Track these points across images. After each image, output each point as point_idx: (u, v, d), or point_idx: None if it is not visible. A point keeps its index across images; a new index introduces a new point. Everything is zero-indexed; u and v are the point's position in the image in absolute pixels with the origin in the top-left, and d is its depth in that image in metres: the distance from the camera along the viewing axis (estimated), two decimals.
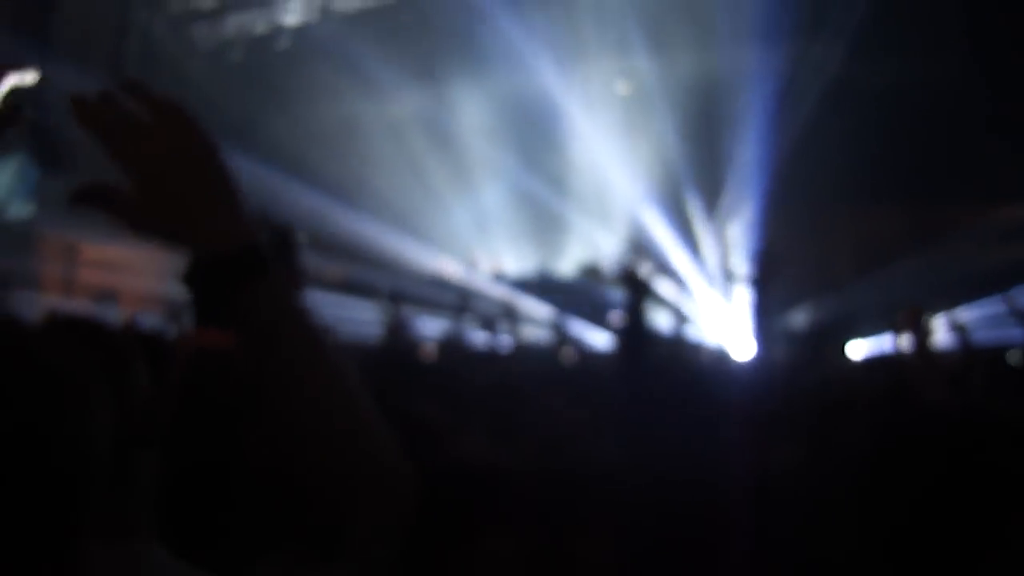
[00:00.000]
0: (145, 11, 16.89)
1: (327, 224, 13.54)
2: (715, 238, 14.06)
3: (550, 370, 6.11)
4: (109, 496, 0.89)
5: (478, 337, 7.34)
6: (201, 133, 0.97)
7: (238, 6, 17.26)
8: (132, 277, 11.39)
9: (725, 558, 2.57)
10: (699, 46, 13.61)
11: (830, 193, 12.46)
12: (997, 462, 1.17)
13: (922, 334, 2.90)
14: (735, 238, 13.67)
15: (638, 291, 3.38)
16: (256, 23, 17.39)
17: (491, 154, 15.24)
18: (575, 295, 12.72)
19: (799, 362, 4.55)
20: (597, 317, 10.48)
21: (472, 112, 15.59)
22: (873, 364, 6.18)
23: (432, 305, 9.78)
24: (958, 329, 5.12)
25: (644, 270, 3.46)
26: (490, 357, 6.57)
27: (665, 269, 13.53)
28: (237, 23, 17.46)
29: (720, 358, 7.85)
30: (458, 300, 8.88)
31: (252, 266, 0.96)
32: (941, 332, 4.30)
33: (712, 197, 14.05)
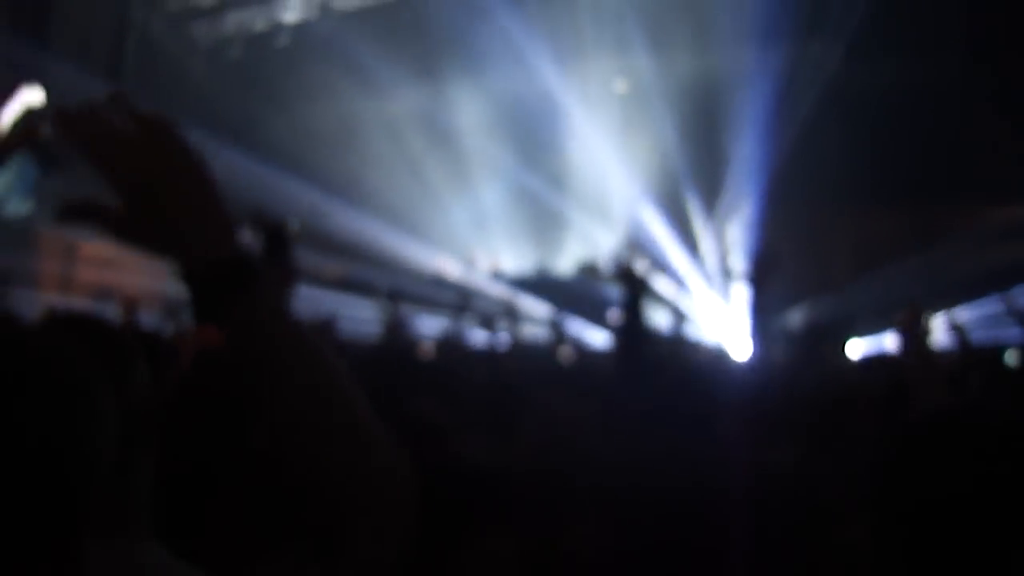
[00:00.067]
0: (144, 9, 16.87)
1: (326, 222, 13.55)
2: (714, 237, 14.07)
3: (548, 369, 6.11)
4: (109, 494, 0.89)
5: (476, 335, 7.34)
6: (186, 146, 0.98)
7: (237, 4, 17.24)
8: (131, 275, 11.39)
9: (723, 557, 2.58)
10: (698, 45, 13.62)
11: (828, 193, 12.46)
12: (1000, 463, 1.17)
13: (921, 333, 2.88)
14: (733, 237, 13.68)
15: (635, 288, 3.39)
16: (255, 21, 17.38)
17: (489, 152, 15.25)
18: (573, 293, 12.72)
19: (797, 361, 4.54)
20: (596, 315, 10.49)
21: (470, 110, 15.60)
22: (871, 363, 6.18)
23: (431, 303, 9.78)
24: (956, 329, 5.12)
25: (641, 267, 3.45)
26: (488, 355, 6.58)
27: (664, 267, 13.54)
28: (236, 21, 17.46)
29: (718, 357, 7.85)
30: (456, 298, 8.88)
31: (240, 274, 0.97)
32: (939, 332, 4.30)
33: (711, 196, 14.06)
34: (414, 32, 15.03)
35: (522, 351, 7.41)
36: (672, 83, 13.88)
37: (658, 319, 9.36)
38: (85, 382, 0.86)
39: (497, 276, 14.77)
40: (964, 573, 1.14)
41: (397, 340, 6.17)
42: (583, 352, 7.89)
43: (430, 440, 2.60)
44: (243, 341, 0.98)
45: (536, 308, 11.16)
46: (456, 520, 2.25)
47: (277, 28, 17.24)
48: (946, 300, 6.84)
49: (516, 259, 15.84)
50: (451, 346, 6.94)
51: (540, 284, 13.63)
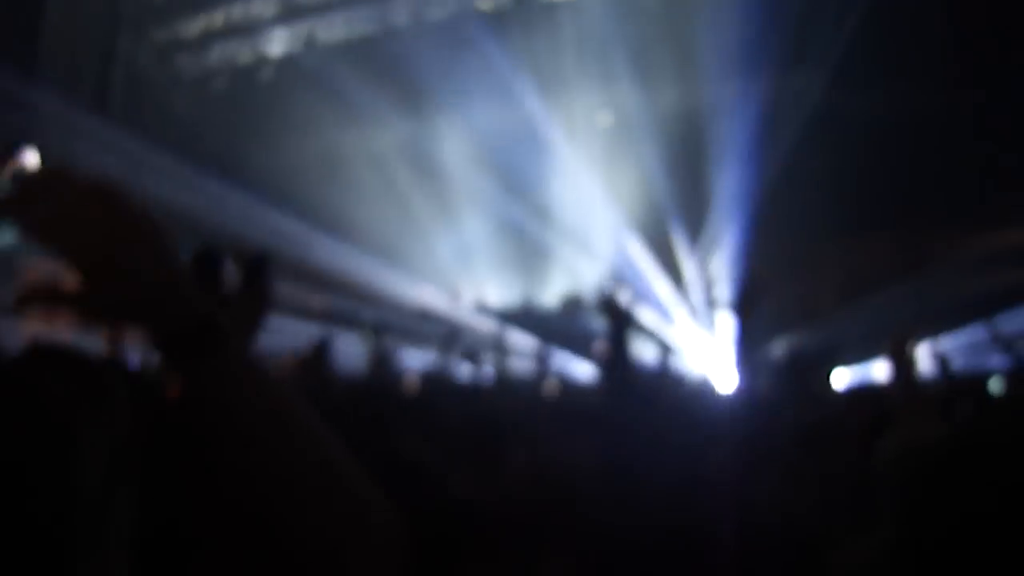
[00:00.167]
0: (130, 40, 16.91)
1: (310, 254, 13.53)
2: (698, 268, 14.11)
3: (533, 402, 6.09)
4: (88, 534, 0.88)
5: (461, 369, 7.32)
6: (136, 211, 0.94)
7: (222, 36, 17.31)
8: None
9: None
10: (681, 77, 13.71)
11: (813, 223, 12.52)
12: (989, 493, 1.17)
13: (907, 361, 2.89)
14: (718, 268, 13.72)
15: (619, 319, 3.38)
16: (240, 53, 17.44)
17: (474, 185, 15.27)
18: (558, 326, 12.72)
19: (783, 392, 4.54)
20: (581, 348, 10.48)
21: (455, 143, 15.63)
22: (856, 393, 6.19)
23: (415, 337, 9.76)
24: (940, 359, 5.14)
25: (624, 298, 3.44)
26: (473, 389, 6.55)
27: (648, 299, 13.56)
28: (221, 53, 17.51)
29: (704, 389, 7.84)
30: (441, 331, 8.86)
31: (206, 342, 0.95)
32: (924, 361, 4.31)
33: (695, 228, 14.11)
34: (398, 65, 15.08)
35: (507, 384, 7.39)
36: (656, 115, 13.95)
37: (643, 351, 9.36)
38: (66, 417, 0.85)
39: (481, 309, 14.76)
40: None
41: (382, 373, 6.14)
42: (568, 385, 7.88)
43: (414, 475, 2.59)
44: (209, 405, 0.96)
45: (521, 341, 11.15)
46: (441, 554, 2.23)
47: (262, 61, 17.30)
48: (931, 328, 6.86)
49: (501, 292, 15.84)
50: (436, 380, 6.92)
51: (525, 317, 13.62)
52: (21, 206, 0.91)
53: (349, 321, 10.11)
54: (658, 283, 14.05)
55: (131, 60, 16.86)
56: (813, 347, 10.32)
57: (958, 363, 6.51)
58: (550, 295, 15.38)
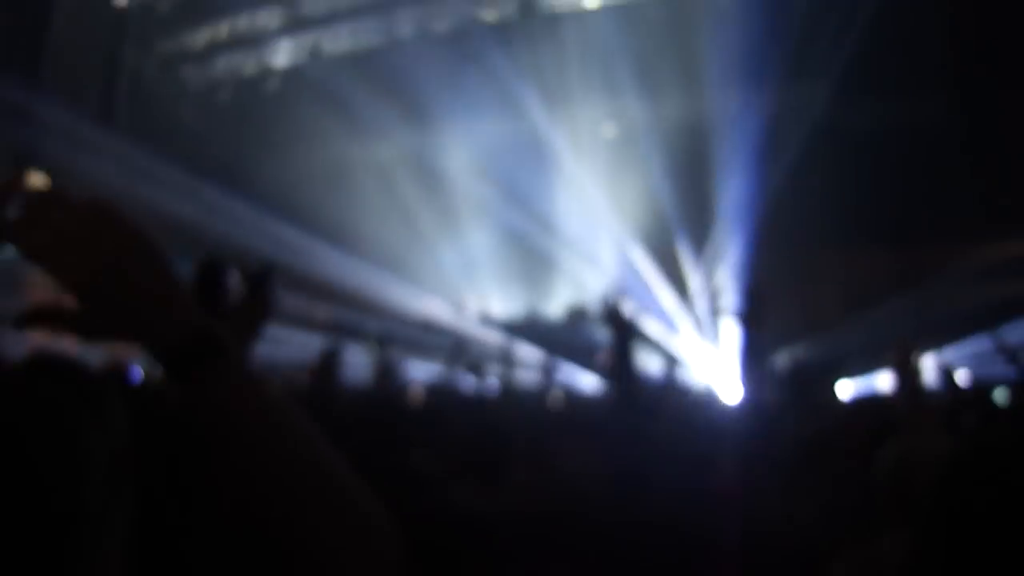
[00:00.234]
0: (135, 52, 16.97)
1: (315, 265, 13.54)
2: (703, 279, 14.09)
3: (537, 414, 6.08)
4: (86, 542, 0.88)
5: (466, 381, 7.31)
6: (130, 230, 0.95)
7: (228, 47, 17.36)
8: None
9: None
10: (685, 89, 13.73)
11: (816, 234, 12.52)
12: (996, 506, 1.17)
13: (912, 370, 2.88)
14: (722, 279, 13.71)
15: (623, 330, 3.37)
16: (245, 65, 17.50)
17: (479, 196, 15.27)
18: (563, 337, 12.72)
19: (787, 403, 4.54)
20: (585, 359, 10.47)
21: (460, 154, 15.64)
22: (860, 404, 6.17)
23: (420, 348, 9.75)
24: (944, 370, 5.13)
25: (628, 308, 3.43)
26: (478, 401, 6.54)
27: (653, 310, 13.55)
28: (227, 64, 17.57)
29: (708, 399, 7.83)
30: (446, 343, 8.85)
31: (204, 354, 0.96)
32: (929, 372, 4.31)
33: (699, 238, 14.09)
34: (403, 77, 15.12)
35: (511, 396, 7.38)
36: (660, 127, 13.96)
37: (648, 362, 9.35)
38: (64, 425, 0.86)
39: (486, 320, 14.75)
40: None
41: (386, 385, 6.13)
42: (573, 397, 7.86)
43: (419, 487, 2.59)
44: (208, 416, 0.97)
45: (526, 352, 11.15)
46: (446, 567, 2.23)
47: (267, 72, 17.35)
48: (935, 339, 6.86)
49: (506, 303, 15.83)
50: (440, 391, 6.91)
51: (529, 328, 13.61)
52: (18, 230, 0.92)
53: (354, 333, 10.12)
54: (663, 294, 14.04)
55: (137, 72, 16.93)
56: (816, 358, 10.31)
57: (962, 374, 6.51)
58: (555, 307, 15.37)
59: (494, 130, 15.31)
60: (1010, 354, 5.04)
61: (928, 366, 4.19)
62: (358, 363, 6.96)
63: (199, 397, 0.96)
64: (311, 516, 0.97)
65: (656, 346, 12.45)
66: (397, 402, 5.68)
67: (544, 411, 6.45)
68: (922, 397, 2.98)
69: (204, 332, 0.97)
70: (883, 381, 7.97)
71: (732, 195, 13.47)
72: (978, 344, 8.22)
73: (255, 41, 17.14)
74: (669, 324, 13.68)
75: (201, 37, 17.42)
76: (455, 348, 7.64)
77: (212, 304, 1.85)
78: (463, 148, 15.62)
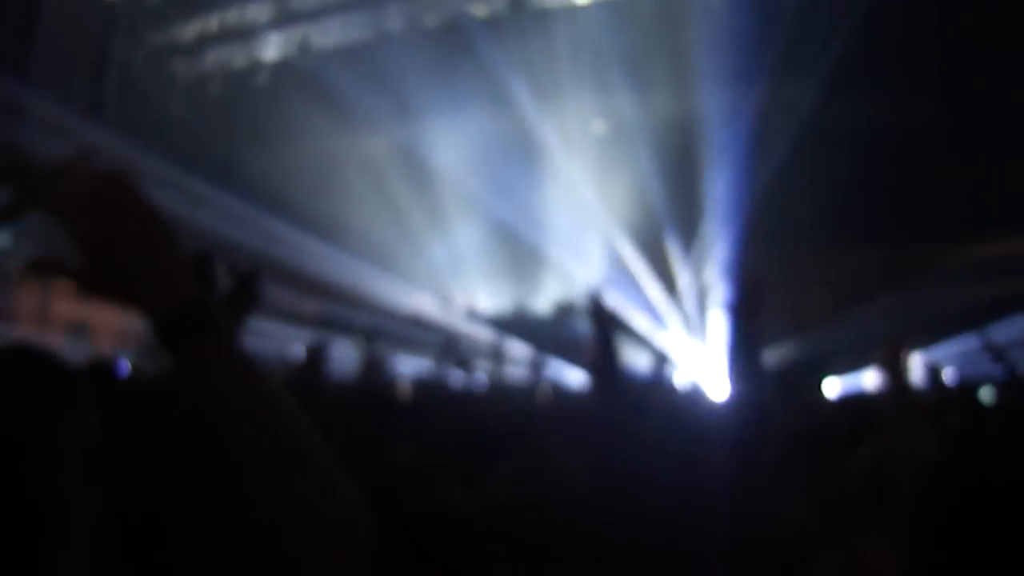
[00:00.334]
0: (125, 44, 16.91)
1: (302, 259, 13.52)
2: (692, 276, 14.12)
3: (525, 409, 6.09)
4: (55, 531, 0.89)
5: (454, 376, 7.31)
6: (144, 202, 1.02)
7: (218, 40, 17.31)
8: (108, 311, 11.31)
9: None
10: (675, 87, 13.75)
11: (804, 232, 12.55)
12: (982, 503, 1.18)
13: (901, 369, 2.89)
14: (711, 276, 13.73)
15: (604, 324, 3.37)
16: (235, 58, 17.45)
17: (468, 191, 15.26)
18: (551, 333, 12.72)
19: (774, 400, 4.55)
20: (573, 355, 10.48)
21: (450, 149, 15.63)
22: (847, 402, 6.19)
23: (408, 343, 9.74)
24: (931, 369, 5.15)
25: (610, 302, 3.42)
26: (465, 396, 6.54)
27: (642, 306, 13.58)
28: (216, 57, 17.51)
29: (696, 395, 7.85)
30: (434, 338, 8.85)
31: (197, 320, 1.01)
32: (916, 371, 4.32)
33: (688, 235, 14.12)
34: (393, 71, 15.10)
35: (499, 391, 7.38)
36: (650, 124, 13.98)
37: (635, 357, 9.37)
38: (35, 415, 0.87)
39: (472, 315, 14.75)
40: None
41: (374, 380, 6.12)
42: (561, 392, 7.87)
43: (405, 482, 2.59)
44: (198, 385, 1.01)
45: (514, 347, 11.15)
46: (431, 562, 2.23)
47: (257, 65, 17.30)
48: (923, 338, 6.88)
49: (494, 298, 15.83)
50: (428, 386, 6.91)
51: (517, 323, 13.61)
52: (43, 188, 0.99)
53: (342, 327, 10.10)
54: (651, 290, 14.06)
55: (126, 64, 16.86)
56: (804, 357, 10.34)
57: (949, 373, 6.53)
58: (543, 302, 15.37)
59: (484, 125, 15.31)
60: (997, 353, 5.06)
61: (915, 365, 4.20)
62: (346, 358, 6.95)
63: (189, 366, 1.00)
64: (290, 494, 1.00)
65: (644, 342, 12.47)
66: (384, 397, 5.67)
67: (531, 406, 6.45)
68: (910, 395, 2.99)
69: (199, 304, 1.02)
70: (870, 379, 8.01)
71: (721, 192, 13.50)
72: (965, 343, 8.25)
73: (245, 34, 17.09)
74: (657, 320, 13.70)
75: (191, 30, 17.36)
76: (445, 344, 7.64)
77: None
78: (452, 143, 15.61)
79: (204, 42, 17.39)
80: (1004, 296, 9.84)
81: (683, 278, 14.17)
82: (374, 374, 5.93)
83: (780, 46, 12.42)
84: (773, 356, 10.09)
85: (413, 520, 2.29)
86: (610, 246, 14.50)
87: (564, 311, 14.42)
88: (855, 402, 5.53)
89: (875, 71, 12.36)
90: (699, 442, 3.17)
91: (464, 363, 7.33)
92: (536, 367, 8.69)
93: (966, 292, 10.57)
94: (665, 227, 14.09)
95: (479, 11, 15.64)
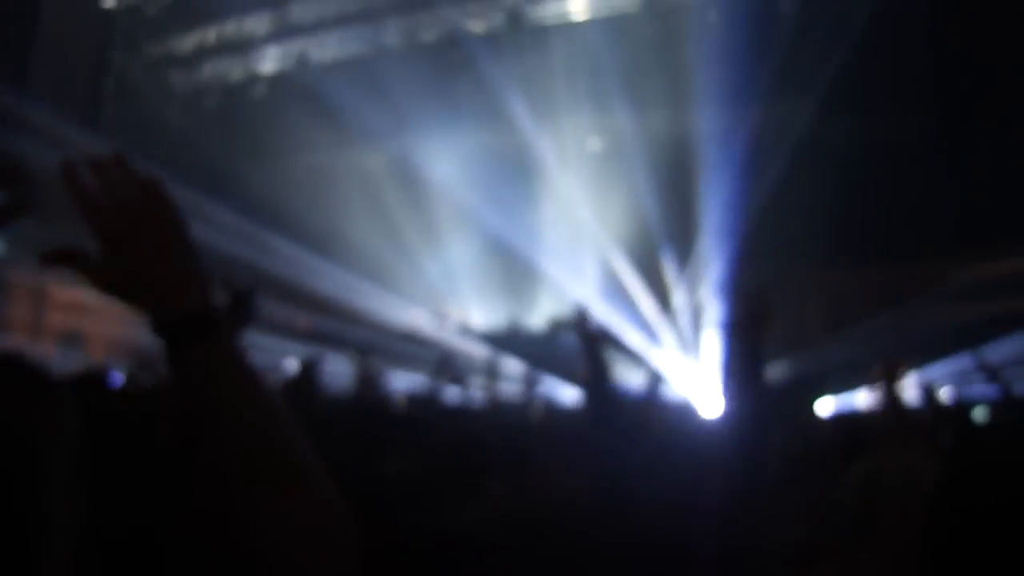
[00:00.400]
0: (123, 55, 16.93)
1: (297, 273, 13.51)
2: (687, 294, 14.12)
3: (518, 425, 6.07)
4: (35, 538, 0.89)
5: (447, 392, 7.29)
6: (172, 207, 1.07)
7: (215, 52, 17.33)
8: (102, 322, 11.29)
9: None
10: (670, 104, 13.77)
11: (799, 251, 12.56)
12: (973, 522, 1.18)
13: (895, 390, 2.89)
14: (706, 295, 13.74)
15: (591, 339, 3.37)
16: (233, 70, 17.47)
17: (464, 206, 15.26)
18: (545, 349, 12.70)
19: (773, 418, 4.54)
20: (567, 372, 10.46)
21: (446, 164, 15.63)
22: (840, 421, 6.19)
23: (402, 358, 9.73)
24: (925, 388, 5.16)
25: (596, 319, 3.42)
26: (458, 412, 6.53)
27: (636, 323, 13.58)
28: (214, 69, 17.53)
29: (689, 413, 7.84)
30: (428, 354, 8.83)
31: (206, 327, 1.04)
32: (910, 390, 4.33)
33: (684, 252, 14.12)
34: (390, 86, 15.12)
35: (492, 408, 7.37)
36: (646, 141, 14.00)
37: (628, 374, 9.35)
38: (17, 424, 0.88)
39: (465, 331, 14.74)
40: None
41: (368, 395, 6.11)
42: (554, 409, 7.86)
43: (400, 496, 2.58)
44: (199, 388, 1.03)
45: (507, 363, 11.14)
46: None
47: (254, 78, 17.32)
48: (917, 358, 6.88)
49: (488, 314, 15.81)
50: (422, 402, 6.89)
51: (511, 340, 13.60)
52: (79, 180, 1.04)
53: (336, 341, 10.09)
54: (646, 307, 14.07)
55: (124, 75, 16.88)
56: (798, 375, 10.33)
57: (944, 392, 6.54)
58: (537, 319, 15.35)
59: (480, 141, 15.33)
60: (991, 373, 5.07)
61: (910, 384, 4.20)
62: (339, 372, 6.94)
63: (193, 368, 1.03)
64: (279, 502, 1.02)
65: (637, 359, 12.46)
66: (378, 411, 5.66)
67: (525, 422, 6.44)
68: (904, 413, 2.99)
69: (209, 313, 1.05)
70: (863, 399, 8.01)
71: (716, 210, 13.52)
72: (959, 363, 8.26)
73: (243, 47, 17.12)
74: (652, 337, 13.70)
75: (189, 42, 17.38)
76: (441, 360, 7.63)
77: None
78: (449, 158, 15.62)
79: (202, 54, 17.41)
80: (999, 315, 9.86)
81: (678, 295, 14.18)
82: (368, 389, 5.92)
83: (776, 64, 12.46)
84: (767, 374, 10.07)
85: (407, 535, 2.28)
86: (605, 263, 14.51)
87: (558, 327, 14.41)
88: (849, 421, 5.53)
89: (871, 90, 12.40)
90: (693, 459, 3.17)
91: (458, 379, 7.32)
92: (529, 383, 8.67)
93: (961, 311, 10.58)
94: (660, 244, 14.10)
95: (477, 27, 15.68)
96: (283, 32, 16.81)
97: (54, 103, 12.39)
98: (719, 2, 13.61)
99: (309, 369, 4.36)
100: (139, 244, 1.03)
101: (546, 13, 15.53)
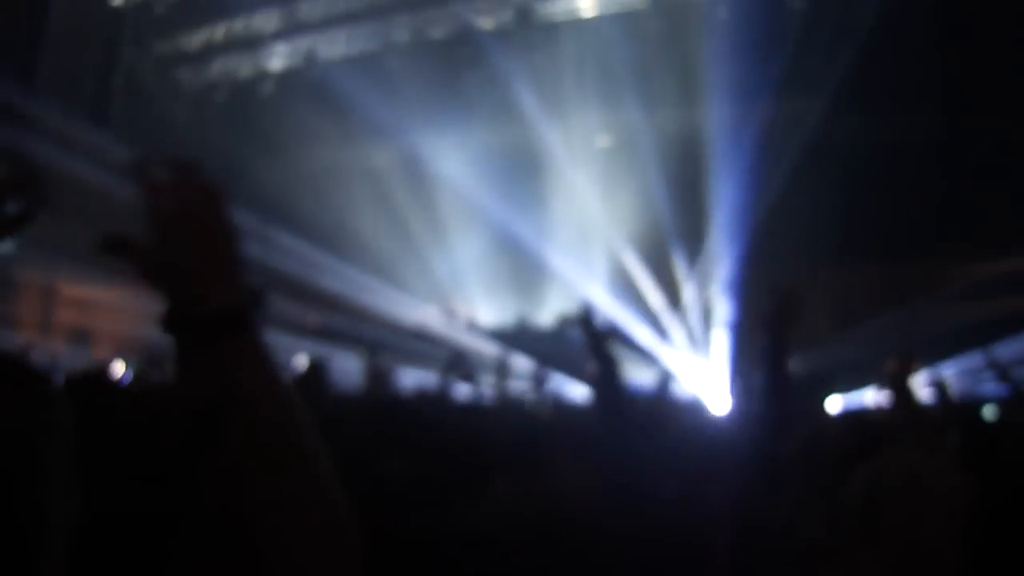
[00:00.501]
0: (131, 52, 16.95)
1: (307, 271, 13.52)
2: (695, 290, 14.10)
3: (527, 422, 6.07)
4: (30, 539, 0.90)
5: (456, 389, 7.29)
6: (228, 218, 1.14)
7: (224, 50, 17.35)
8: (110, 319, 11.32)
9: None
10: (680, 102, 13.75)
11: (808, 248, 12.53)
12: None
13: (907, 389, 2.87)
14: (715, 291, 13.72)
15: (597, 336, 3.37)
16: (241, 67, 17.48)
17: (473, 203, 15.24)
18: (553, 347, 12.70)
19: (792, 412, 4.53)
20: (576, 369, 10.45)
21: (455, 161, 15.62)
22: (850, 419, 6.18)
23: (412, 355, 9.73)
24: (937, 385, 5.13)
25: (605, 314, 3.42)
26: (467, 409, 6.52)
27: (646, 320, 13.56)
28: (222, 67, 17.55)
29: (699, 410, 7.83)
30: (438, 351, 8.83)
31: (241, 324, 1.09)
32: (921, 387, 4.31)
33: (693, 250, 14.10)
34: (399, 82, 15.11)
35: (502, 405, 7.36)
36: (654, 138, 13.98)
37: (638, 371, 9.35)
38: (12, 429, 0.89)
39: (473, 327, 14.73)
40: None
41: (378, 391, 6.12)
42: (563, 406, 7.85)
43: (409, 494, 2.57)
44: (225, 381, 1.06)
45: (517, 361, 11.13)
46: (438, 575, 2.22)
47: (263, 75, 17.33)
48: (927, 356, 6.86)
49: (497, 311, 15.81)
50: (432, 398, 6.89)
51: (520, 336, 13.59)
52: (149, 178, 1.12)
53: (345, 338, 10.09)
54: (656, 303, 14.05)
55: (132, 72, 16.90)
56: (807, 373, 10.31)
57: (954, 390, 6.51)
58: (546, 316, 15.34)
59: (489, 138, 15.32)
60: (1001, 371, 5.05)
61: (920, 382, 4.19)
62: (349, 369, 6.95)
63: (227, 362, 1.07)
64: (290, 499, 1.04)
65: (647, 356, 12.45)
66: (387, 408, 5.66)
67: (534, 420, 6.44)
68: (917, 411, 2.97)
69: (246, 313, 1.11)
70: (871, 396, 7.99)
71: (725, 208, 13.49)
72: (968, 361, 8.24)
73: (251, 44, 17.12)
74: (661, 334, 13.68)
75: (198, 39, 17.40)
76: (452, 358, 7.63)
77: None
78: (457, 155, 15.60)
79: (211, 51, 17.43)
80: (1007, 314, 9.83)
81: (687, 292, 14.16)
82: (378, 386, 5.93)
83: (785, 62, 12.43)
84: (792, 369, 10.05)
85: (417, 532, 2.28)
86: (614, 260, 14.50)
87: (567, 324, 14.38)
88: (857, 419, 5.51)
89: (879, 89, 12.37)
90: (704, 457, 3.16)
91: (468, 376, 7.32)
92: (539, 381, 8.67)
93: (969, 310, 10.55)
94: (669, 241, 14.08)
95: (486, 23, 15.66)
96: (292, 29, 16.81)
97: (63, 100, 12.42)
98: None
99: (317, 366, 4.37)
100: (192, 242, 1.10)
101: (555, 9, 15.51)
